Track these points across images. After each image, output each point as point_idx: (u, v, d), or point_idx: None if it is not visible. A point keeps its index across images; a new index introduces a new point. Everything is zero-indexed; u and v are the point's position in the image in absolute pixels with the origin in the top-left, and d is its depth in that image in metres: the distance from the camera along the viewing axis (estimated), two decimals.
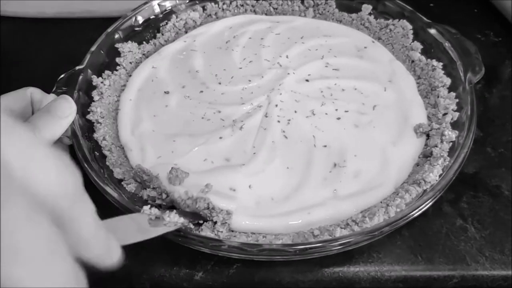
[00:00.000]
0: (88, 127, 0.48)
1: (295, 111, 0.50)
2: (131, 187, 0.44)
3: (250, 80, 0.54)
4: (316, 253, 0.38)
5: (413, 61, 0.56)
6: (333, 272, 0.42)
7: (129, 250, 0.42)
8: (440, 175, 0.42)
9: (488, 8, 0.69)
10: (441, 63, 0.53)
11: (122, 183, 0.44)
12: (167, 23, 0.61)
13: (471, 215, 0.45)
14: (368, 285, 0.42)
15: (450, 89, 0.51)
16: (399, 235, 0.44)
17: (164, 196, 0.43)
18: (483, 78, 0.49)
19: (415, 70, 0.55)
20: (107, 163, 0.46)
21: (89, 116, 0.49)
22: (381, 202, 0.43)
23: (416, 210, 0.39)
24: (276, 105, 0.51)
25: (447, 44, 0.53)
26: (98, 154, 0.46)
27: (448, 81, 0.51)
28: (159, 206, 0.43)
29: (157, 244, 0.43)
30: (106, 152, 0.47)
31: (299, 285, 0.42)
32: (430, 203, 0.40)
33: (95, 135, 0.48)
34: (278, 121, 0.49)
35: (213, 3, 0.63)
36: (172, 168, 0.43)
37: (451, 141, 0.46)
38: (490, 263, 0.42)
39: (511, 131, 0.53)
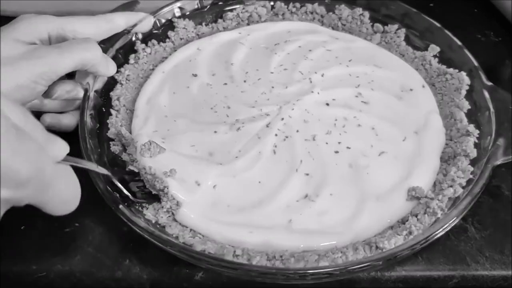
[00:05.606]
0: (112, 85, 0.52)
1: (297, 131, 0.49)
2: (115, 148, 0.47)
3: (273, 87, 0.53)
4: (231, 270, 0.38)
5: (455, 120, 0.49)
6: None
7: (129, 249, 0.43)
8: (396, 246, 0.38)
9: (488, 8, 0.68)
10: (477, 131, 0.46)
11: (111, 142, 0.48)
12: (231, 11, 0.62)
13: (471, 215, 0.44)
14: (368, 285, 0.42)
15: (473, 162, 0.44)
16: None
17: (135, 164, 0.46)
18: None
19: (451, 130, 0.49)
20: (107, 121, 0.49)
21: (116, 75, 0.53)
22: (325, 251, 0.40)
23: (339, 269, 0.36)
24: (282, 119, 0.49)
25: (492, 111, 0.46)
26: (104, 110, 0.50)
27: (474, 153, 0.45)
28: (131, 172, 0.46)
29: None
30: (113, 111, 0.50)
31: (299, 285, 0.42)
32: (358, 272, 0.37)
33: (111, 93, 0.52)
34: (276, 135, 0.48)
35: (283, 3, 0.63)
36: (149, 140, 0.45)
37: (436, 217, 0.40)
38: (490, 263, 0.42)
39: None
